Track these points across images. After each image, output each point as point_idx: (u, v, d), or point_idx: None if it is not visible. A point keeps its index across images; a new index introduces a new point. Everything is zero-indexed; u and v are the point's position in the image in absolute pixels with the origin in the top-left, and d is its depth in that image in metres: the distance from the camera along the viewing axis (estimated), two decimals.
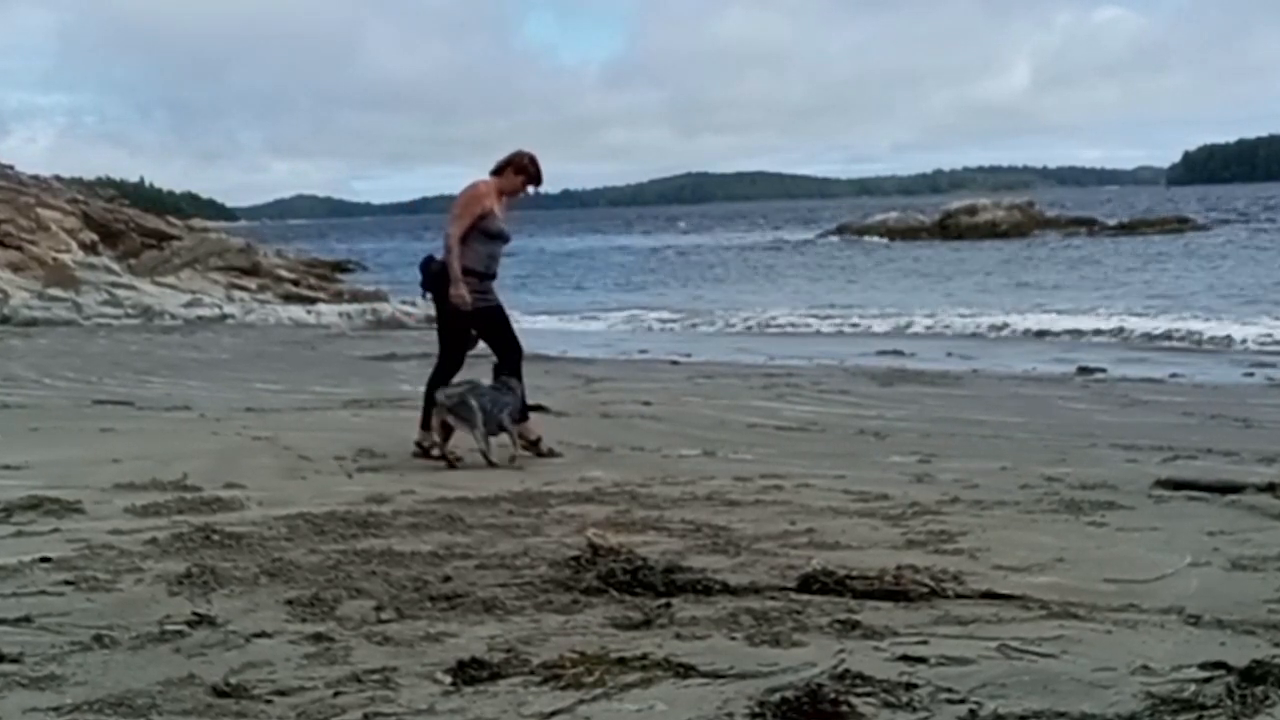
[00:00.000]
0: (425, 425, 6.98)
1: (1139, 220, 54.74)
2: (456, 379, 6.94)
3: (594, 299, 28.71)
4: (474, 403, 6.66)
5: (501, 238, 7.09)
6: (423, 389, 7.12)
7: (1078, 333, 17.49)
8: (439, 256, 6.98)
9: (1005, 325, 18.58)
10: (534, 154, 7.09)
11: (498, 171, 7.04)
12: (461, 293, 6.82)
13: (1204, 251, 36.47)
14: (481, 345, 7.15)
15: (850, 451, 7.30)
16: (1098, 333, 17.36)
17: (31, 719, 2.77)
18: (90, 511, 5.16)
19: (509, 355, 7.09)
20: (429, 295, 7.12)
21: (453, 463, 6.65)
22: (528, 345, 7.60)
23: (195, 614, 3.54)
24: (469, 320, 6.97)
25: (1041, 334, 17.75)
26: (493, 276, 7.10)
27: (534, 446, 7.04)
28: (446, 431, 6.72)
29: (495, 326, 7.11)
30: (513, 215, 7.34)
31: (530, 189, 7.16)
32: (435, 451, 6.83)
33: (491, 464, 6.62)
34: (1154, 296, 22.87)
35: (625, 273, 39.14)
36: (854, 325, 20.07)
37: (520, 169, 7.05)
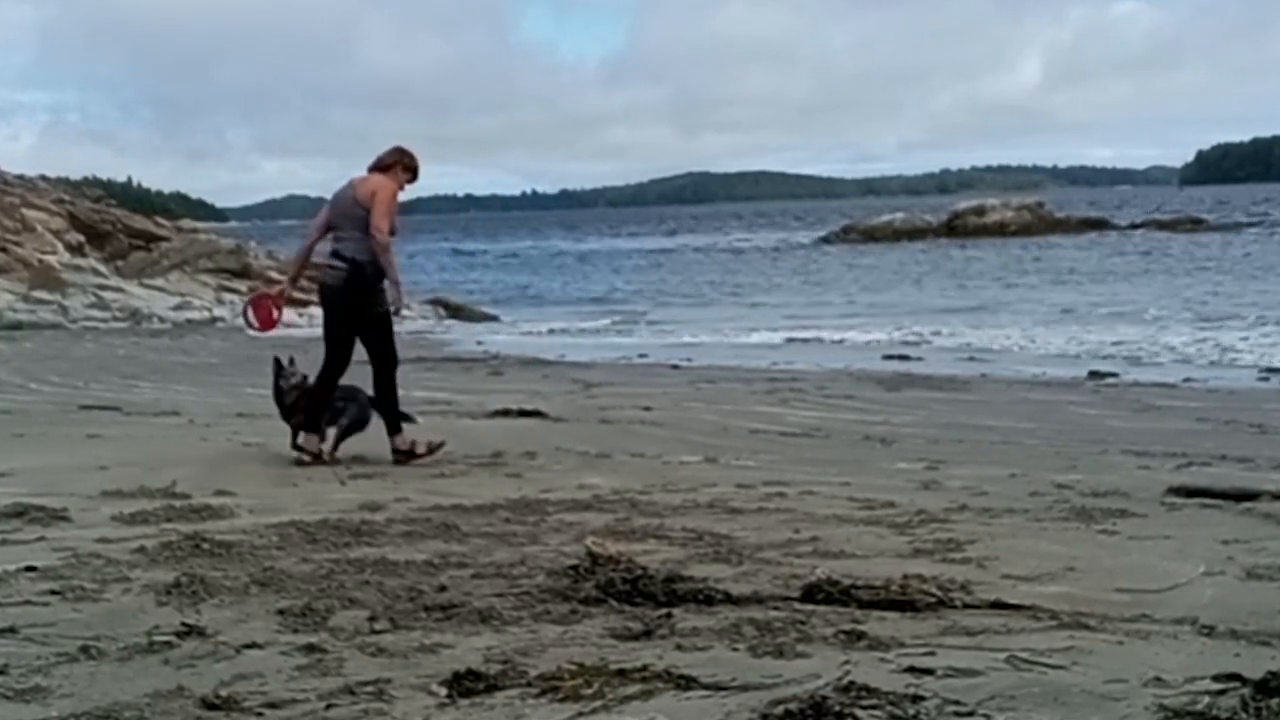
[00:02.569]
0: (312, 429, 6.92)
1: (1151, 221, 54.70)
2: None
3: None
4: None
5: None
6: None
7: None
8: (346, 254, 6.77)
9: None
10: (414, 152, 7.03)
11: (386, 169, 6.87)
12: (403, 296, 6.90)
13: (1212, 255, 36.45)
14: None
15: (855, 458, 7.25)
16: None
17: None
18: (77, 519, 5.08)
19: (387, 365, 6.97)
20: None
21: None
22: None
23: (184, 624, 3.48)
24: (370, 321, 6.85)
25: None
26: None
27: (408, 455, 6.89)
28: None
29: (384, 333, 6.97)
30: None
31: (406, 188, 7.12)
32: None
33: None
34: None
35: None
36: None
37: (409, 168, 6.95)
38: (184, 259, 25.30)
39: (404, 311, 6.97)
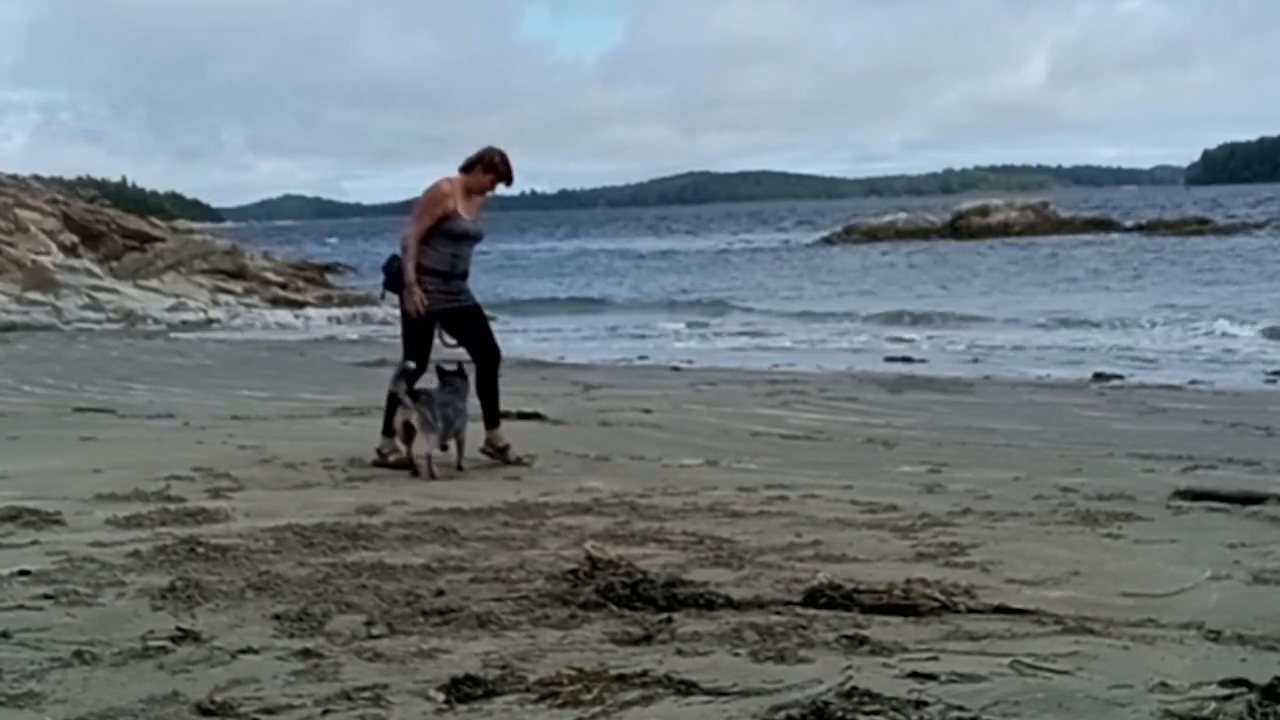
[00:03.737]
0: (387, 431, 6.80)
1: (1158, 222, 54.48)
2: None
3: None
4: (436, 410, 6.48)
5: (468, 239, 6.94)
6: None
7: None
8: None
9: None
10: (505, 151, 6.97)
11: (467, 169, 6.92)
12: (415, 297, 6.75)
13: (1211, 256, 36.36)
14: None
15: (858, 461, 7.22)
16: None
17: None
18: (70, 523, 5.05)
19: (486, 358, 7.00)
20: (386, 295, 7.17)
21: (416, 470, 6.42)
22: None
23: (179, 629, 3.46)
24: (441, 321, 6.87)
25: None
26: (461, 276, 6.95)
27: (502, 454, 6.93)
28: (409, 434, 6.49)
29: (469, 327, 6.99)
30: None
31: (499, 187, 7.06)
32: (395, 458, 6.63)
33: (432, 476, 6.35)
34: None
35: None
36: None
37: (490, 166, 6.92)
38: (179, 260, 25.25)
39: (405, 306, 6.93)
